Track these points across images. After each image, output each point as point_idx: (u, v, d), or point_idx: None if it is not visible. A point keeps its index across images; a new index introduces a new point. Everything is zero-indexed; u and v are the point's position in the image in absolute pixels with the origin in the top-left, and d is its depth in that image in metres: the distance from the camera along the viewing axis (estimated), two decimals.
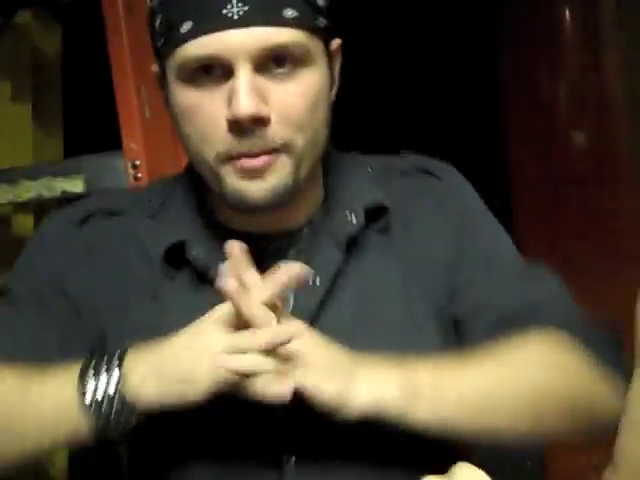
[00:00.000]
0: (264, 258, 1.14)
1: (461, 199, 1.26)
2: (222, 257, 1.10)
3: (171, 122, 1.12)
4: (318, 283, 1.15)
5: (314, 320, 1.13)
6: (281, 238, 1.18)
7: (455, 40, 2.49)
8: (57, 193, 1.81)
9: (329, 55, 1.11)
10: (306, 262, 1.11)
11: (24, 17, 2.12)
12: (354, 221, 1.17)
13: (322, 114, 1.10)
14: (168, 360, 1.02)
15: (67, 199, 1.90)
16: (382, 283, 1.19)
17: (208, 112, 1.04)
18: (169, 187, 1.24)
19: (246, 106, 1.00)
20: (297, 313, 1.12)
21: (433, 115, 2.51)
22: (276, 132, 1.04)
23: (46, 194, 1.82)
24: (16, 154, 2.13)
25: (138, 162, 1.71)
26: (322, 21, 1.08)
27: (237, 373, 0.98)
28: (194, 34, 1.02)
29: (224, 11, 1.01)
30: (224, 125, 1.03)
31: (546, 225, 2.23)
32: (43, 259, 1.19)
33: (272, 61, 1.03)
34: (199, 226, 1.18)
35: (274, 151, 1.06)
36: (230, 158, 1.06)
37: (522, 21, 2.23)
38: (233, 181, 1.07)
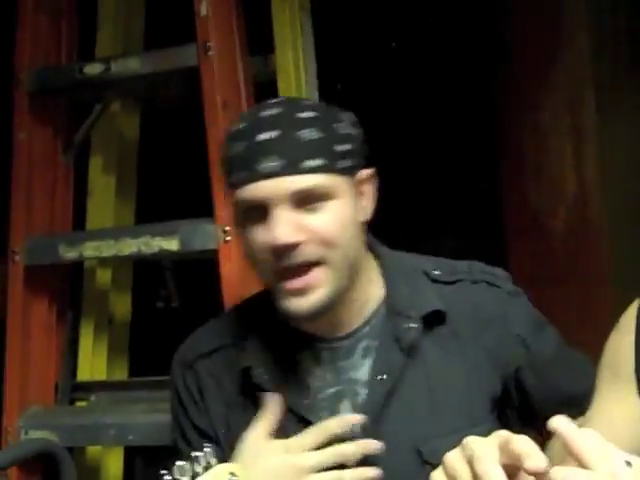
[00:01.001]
0: (337, 356, 1.39)
1: (519, 314, 1.43)
2: (285, 378, 1.37)
3: None
4: (385, 377, 1.35)
5: (382, 410, 1.35)
6: (347, 337, 1.40)
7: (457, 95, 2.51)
8: (155, 250, 2.11)
9: (357, 183, 1.36)
10: (373, 361, 1.37)
11: (114, 106, 2.51)
12: (415, 326, 1.37)
13: (351, 232, 1.33)
14: None
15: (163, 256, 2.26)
16: (442, 376, 1.37)
17: (260, 242, 1.31)
18: (247, 313, 1.47)
19: (278, 237, 1.27)
20: (372, 404, 1.35)
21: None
22: (310, 251, 1.29)
23: (145, 250, 2.12)
24: (103, 215, 2.51)
25: (227, 228, 2.01)
26: (344, 163, 1.33)
27: None
28: (242, 183, 1.31)
29: (261, 166, 1.29)
30: (272, 251, 1.29)
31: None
32: (177, 402, 1.48)
33: (306, 198, 1.30)
34: (269, 348, 1.40)
35: (312, 266, 1.30)
36: (279, 279, 1.30)
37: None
38: (282, 298, 1.32)
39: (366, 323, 1.41)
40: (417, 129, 2.38)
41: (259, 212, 1.31)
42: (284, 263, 1.30)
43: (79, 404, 2.42)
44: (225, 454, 1.36)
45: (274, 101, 1.38)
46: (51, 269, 2.37)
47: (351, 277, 1.36)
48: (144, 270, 2.63)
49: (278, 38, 2.15)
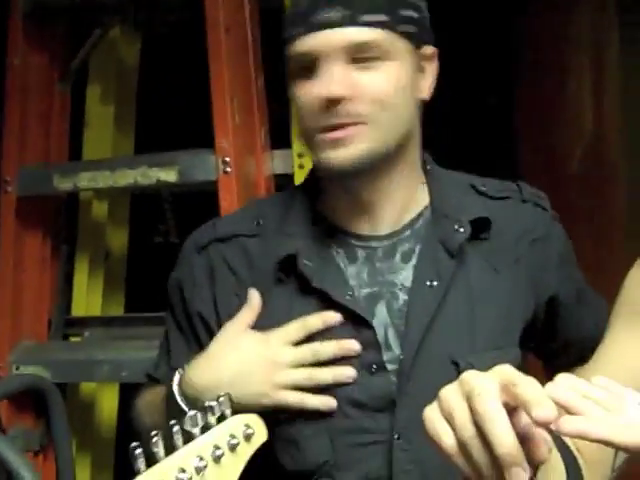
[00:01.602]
0: (375, 257, 1.35)
1: (560, 237, 1.44)
2: (329, 268, 1.33)
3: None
4: (435, 284, 1.32)
5: (433, 318, 1.30)
6: (387, 238, 1.36)
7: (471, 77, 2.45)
8: (152, 181, 2.05)
9: (419, 56, 1.32)
10: (416, 266, 1.32)
11: (114, 32, 2.42)
12: (462, 231, 1.33)
13: (404, 101, 1.30)
14: None
15: (161, 187, 2.20)
16: (484, 290, 1.34)
17: (309, 95, 1.27)
18: (287, 201, 1.43)
19: (328, 89, 1.25)
20: (419, 311, 1.31)
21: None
22: (358, 108, 1.26)
23: (142, 181, 2.06)
24: (100, 147, 2.43)
25: (227, 159, 1.97)
26: (407, 27, 1.29)
27: None
28: (297, 35, 1.27)
29: (318, 17, 1.26)
30: (319, 104, 1.26)
31: None
32: (178, 289, 1.44)
33: (361, 54, 1.26)
34: (310, 237, 1.36)
35: (358, 124, 1.26)
36: (322, 130, 1.27)
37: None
38: (322, 150, 1.29)
39: (407, 227, 1.37)
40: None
41: (311, 68, 1.28)
42: (330, 118, 1.27)
43: (73, 340, 2.38)
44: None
45: None
46: (45, 200, 2.31)
47: (397, 151, 1.32)
48: (142, 204, 2.56)
49: None
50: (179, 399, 1.32)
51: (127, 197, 2.45)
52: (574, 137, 2.29)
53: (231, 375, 1.31)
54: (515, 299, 1.37)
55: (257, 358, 1.32)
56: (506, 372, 0.79)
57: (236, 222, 1.45)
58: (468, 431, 0.77)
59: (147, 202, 2.60)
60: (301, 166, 2.00)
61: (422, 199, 1.39)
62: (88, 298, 2.41)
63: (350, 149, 1.27)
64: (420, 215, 1.38)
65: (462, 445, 0.78)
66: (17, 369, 2.20)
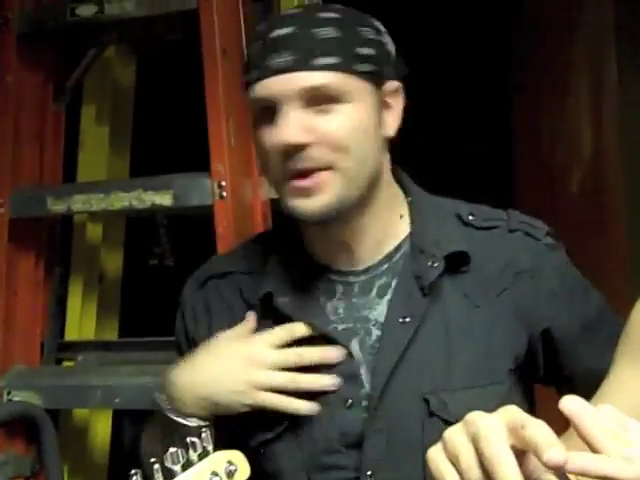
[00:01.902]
0: (352, 293, 1.35)
1: (557, 267, 1.36)
2: (308, 303, 1.34)
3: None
4: (408, 320, 1.30)
5: (403, 355, 1.29)
6: (364, 273, 1.35)
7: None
8: (147, 205, 2.02)
9: (381, 93, 1.29)
10: (390, 301, 1.31)
11: (109, 51, 2.39)
12: (436, 266, 1.30)
13: (368, 142, 1.27)
14: None
15: (155, 211, 2.17)
16: (462, 326, 1.31)
17: (270, 142, 1.25)
18: (267, 242, 1.45)
19: (287, 135, 1.22)
20: (389, 347, 1.30)
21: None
22: (321, 152, 1.24)
23: (137, 205, 2.03)
24: (95, 168, 2.40)
25: (223, 183, 1.94)
26: (364, 66, 1.26)
27: None
28: (254, 80, 1.27)
29: (273, 62, 1.24)
30: (281, 151, 1.24)
31: None
32: (180, 320, 1.48)
33: (317, 98, 1.24)
34: (290, 273, 1.37)
35: (323, 170, 1.24)
36: (288, 178, 1.26)
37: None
38: (290, 199, 1.28)
39: (384, 260, 1.35)
40: (432, 86, 2.27)
41: (271, 112, 1.26)
42: (291, 166, 1.25)
43: (66, 364, 2.34)
44: None
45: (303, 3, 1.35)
46: (38, 222, 2.28)
47: (367, 193, 1.30)
48: (137, 226, 2.53)
49: None
50: (159, 400, 1.36)
51: (122, 219, 2.43)
52: (572, 157, 2.27)
53: (210, 372, 1.33)
54: (498, 334, 1.32)
55: (237, 356, 1.33)
56: (513, 413, 0.77)
57: (231, 260, 1.48)
58: (474, 474, 0.75)
59: (142, 224, 2.57)
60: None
61: (402, 231, 1.37)
62: (82, 322, 2.38)
63: (319, 199, 1.26)
64: (398, 248, 1.36)
65: None
66: (9, 394, 2.17)
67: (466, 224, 1.37)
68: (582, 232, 2.21)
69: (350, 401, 1.31)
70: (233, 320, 1.40)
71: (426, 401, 1.29)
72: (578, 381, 1.38)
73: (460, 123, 2.45)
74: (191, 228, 2.23)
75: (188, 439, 0.86)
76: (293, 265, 1.38)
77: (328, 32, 1.25)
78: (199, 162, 2.00)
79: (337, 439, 1.31)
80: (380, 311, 1.33)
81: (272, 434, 1.33)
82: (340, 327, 1.35)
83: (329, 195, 1.25)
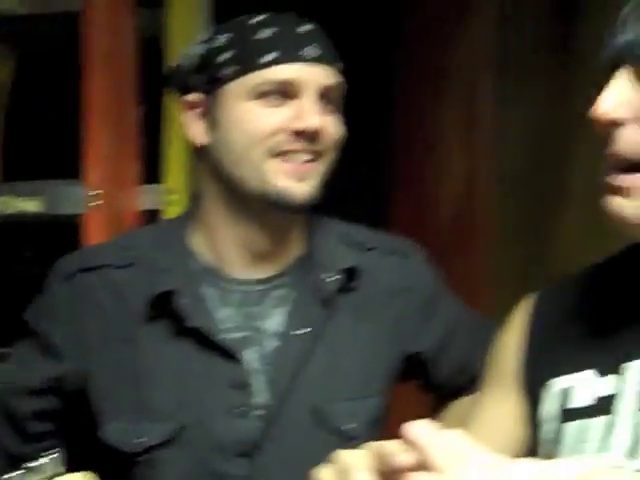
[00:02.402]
0: (248, 301, 1.36)
1: (425, 277, 1.46)
2: (203, 307, 1.32)
3: (199, 139, 1.35)
4: (306, 332, 1.34)
5: (301, 366, 1.33)
6: (262, 283, 1.38)
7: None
8: (16, 211, 1.97)
9: None
10: (289, 312, 1.34)
11: None
12: (333, 281, 1.36)
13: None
14: None
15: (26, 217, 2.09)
16: (350, 340, 1.37)
17: (275, 120, 1.31)
18: (162, 234, 1.42)
19: (313, 121, 1.31)
20: (288, 358, 1.33)
21: None
22: (322, 145, 1.33)
23: (5, 211, 1.97)
24: None
25: (96, 191, 1.90)
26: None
27: None
28: (278, 62, 1.31)
29: (306, 50, 1.32)
30: (290, 131, 1.30)
31: None
32: (39, 314, 1.40)
33: (328, 95, 1.35)
34: (185, 275, 1.35)
35: (316, 159, 1.33)
36: (277, 156, 1.31)
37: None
38: (280, 179, 1.31)
39: (283, 273, 1.39)
40: None
41: (282, 95, 1.32)
42: (300, 146, 1.32)
43: None
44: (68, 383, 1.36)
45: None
46: None
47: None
48: (4, 232, 2.43)
49: None
50: None
51: None
52: (446, 187, 2.31)
53: None
54: (378, 350, 1.39)
55: None
56: (376, 445, 0.76)
57: (105, 251, 1.42)
58: None
59: (9, 230, 2.47)
60: (172, 203, 1.95)
61: (299, 245, 1.41)
62: None
63: (310, 183, 1.33)
64: (296, 261, 1.40)
65: None
66: None
67: (351, 244, 1.43)
68: (452, 260, 2.23)
69: (240, 410, 1.32)
70: (103, 321, 1.35)
71: (316, 412, 1.33)
72: (445, 387, 1.48)
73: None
74: (61, 235, 2.16)
75: (40, 461, 0.88)
76: (187, 266, 1.37)
77: (326, 40, 1.37)
78: (74, 169, 1.95)
79: (229, 447, 1.31)
80: (277, 321, 1.36)
81: (159, 439, 1.31)
82: (237, 335, 1.35)
83: (315, 181, 1.34)
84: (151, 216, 1.97)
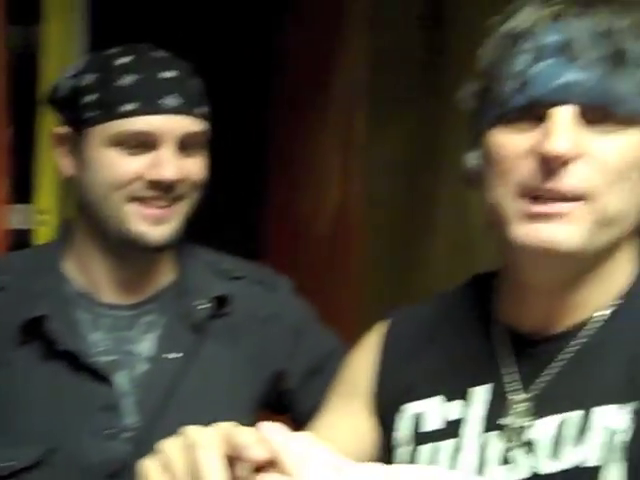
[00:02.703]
0: (119, 326, 1.38)
1: (292, 310, 1.50)
2: (76, 331, 1.34)
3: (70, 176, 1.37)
4: (177, 357, 1.38)
5: (172, 389, 1.35)
6: (132, 308, 1.41)
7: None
8: None
9: None
10: (160, 337, 1.38)
11: None
12: (205, 308, 1.40)
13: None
14: None
15: None
16: (219, 366, 1.41)
17: (131, 172, 1.33)
18: (35, 258, 1.43)
19: (169, 172, 1.33)
20: (158, 382, 1.36)
21: None
22: (182, 189, 1.36)
23: None
24: None
25: None
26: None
27: None
28: (138, 113, 1.33)
29: (165, 101, 1.33)
30: (150, 179, 1.33)
31: None
32: None
33: (189, 141, 1.36)
34: (58, 299, 1.37)
35: (177, 202, 1.36)
36: (134, 201, 1.33)
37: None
38: (136, 224, 1.34)
39: (153, 298, 1.42)
40: None
41: (137, 144, 1.34)
42: (156, 194, 1.34)
43: None
44: None
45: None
46: None
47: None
48: None
49: (45, 10, 2.01)
50: None
51: None
52: (319, 212, 2.36)
53: None
54: (246, 374, 1.43)
55: None
56: (228, 426, 0.79)
57: None
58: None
59: None
60: (42, 223, 1.94)
61: (170, 272, 1.45)
62: None
63: (168, 226, 1.36)
64: (166, 288, 1.44)
65: None
66: None
67: (219, 272, 1.47)
68: (323, 285, 2.28)
69: (110, 432, 1.33)
70: None
71: None
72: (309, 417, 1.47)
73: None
74: None
75: None
76: (60, 290, 1.39)
77: (196, 83, 1.39)
78: None
79: (99, 469, 1.31)
80: (147, 346, 1.39)
81: (27, 463, 1.31)
82: (106, 359, 1.36)
83: (176, 223, 1.37)
84: (21, 236, 1.94)
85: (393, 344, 1.12)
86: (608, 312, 1.00)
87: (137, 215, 1.34)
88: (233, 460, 0.77)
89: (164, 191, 1.34)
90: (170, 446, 0.79)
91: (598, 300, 1.00)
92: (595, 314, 1.00)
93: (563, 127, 0.92)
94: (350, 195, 2.38)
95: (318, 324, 1.53)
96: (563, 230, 0.92)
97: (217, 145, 2.04)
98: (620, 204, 0.93)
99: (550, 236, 0.93)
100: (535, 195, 0.94)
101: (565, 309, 1.00)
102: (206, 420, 1.29)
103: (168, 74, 1.35)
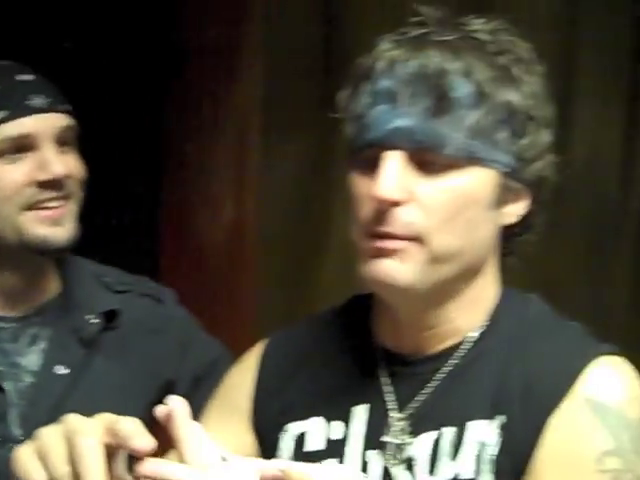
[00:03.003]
0: (3, 338, 1.39)
1: (178, 321, 1.53)
2: None
3: None
4: (65, 371, 1.38)
5: (60, 403, 1.36)
6: (16, 321, 1.41)
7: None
8: None
9: None
10: (46, 351, 1.38)
11: None
12: (95, 322, 1.42)
13: None
14: None
15: None
16: (107, 379, 1.42)
17: (20, 176, 1.35)
18: None
19: (53, 172, 1.34)
20: (45, 395, 1.36)
21: None
22: (68, 187, 1.38)
23: None
24: None
25: None
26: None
27: None
28: (9, 119, 1.35)
29: (31, 102, 1.35)
30: (36, 184, 1.36)
31: None
32: None
33: (63, 139, 1.39)
34: None
35: (67, 203, 1.38)
36: (33, 208, 1.35)
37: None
38: (34, 226, 1.35)
39: (38, 312, 1.42)
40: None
41: (17, 150, 1.35)
42: (49, 195, 1.35)
43: None
44: None
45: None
46: None
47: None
48: None
49: None
50: None
51: None
52: (214, 234, 2.38)
53: None
54: (135, 386, 1.44)
55: None
56: (110, 416, 0.80)
57: None
58: (60, 469, 0.74)
59: None
60: None
61: (54, 286, 1.45)
62: None
63: (66, 226, 1.37)
64: (52, 300, 1.44)
65: None
66: None
67: (106, 286, 1.48)
68: (218, 292, 2.32)
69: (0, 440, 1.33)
70: None
71: None
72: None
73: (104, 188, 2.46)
74: None
75: None
76: None
77: (53, 84, 1.41)
78: None
79: None
80: (32, 359, 1.39)
81: None
82: None
83: (71, 224, 1.39)
84: None
85: (270, 364, 1.13)
86: (477, 334, 1.05)
87: (34, 220, 1.35)
88: (111, 452, 0.76)
89: (56, 190, 1.35)
90: (49, 433, 0.77)
91: (468, 323, 1.05)
92: (467, 335, 1.05)
93: (390, 172, 0.96)
94: (244, 211, 2.40)
95: (203, 333, 1.56)
96: (396, 267, 0.98)
97: (112, 158, 2.03)
98: (452, 243, 0.99)
99: (386, 271, 0.98)
100: (376, 234, 0.99)
101: (435, 334, 1.05)
102: None
103: (27, 77, 1.37)
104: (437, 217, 0.97)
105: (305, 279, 2.45)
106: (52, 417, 1.28)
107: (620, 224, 2.55)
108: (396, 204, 0.97)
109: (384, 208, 0.97)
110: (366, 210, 0.99)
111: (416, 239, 0.98)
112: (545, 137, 1.02)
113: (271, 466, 0.77)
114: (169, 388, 1.48)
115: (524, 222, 1.04)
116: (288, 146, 2.45)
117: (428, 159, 0.97)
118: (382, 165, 0.97)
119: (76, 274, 1.47)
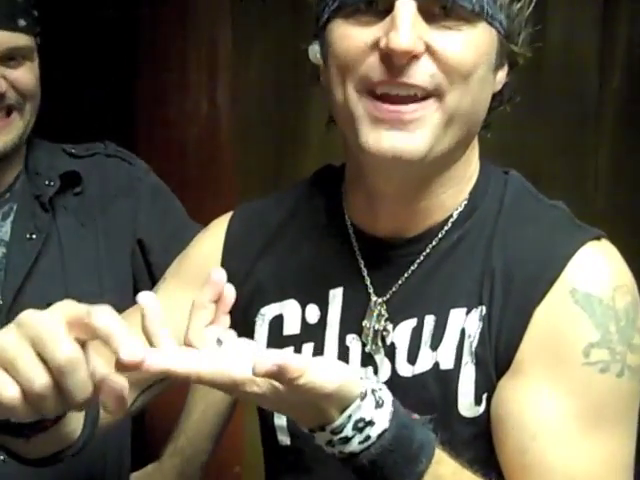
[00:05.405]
0: None
1: (146, 180, 1.56)
2: None
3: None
4: (34, 237, 1.43)
5: (31, 268, 1.41)
6: None
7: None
8: None
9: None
10: (14, 220, 1.44)
11: None
12: (52, 185, 1.47)
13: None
14: None
15: None
16: (73, 243, 1.46)
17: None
18: None
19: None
20: (17, 261, 1.41)
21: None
22: (11, 98, 1.43)
23: None
24: None
25: None
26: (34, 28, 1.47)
27: None
28: None
29: None
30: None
31: None
32: None
33: (11, 56, 1.42)
34: None
35: (13, 109, 1.44)
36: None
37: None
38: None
39: (6, 190, 1.48)
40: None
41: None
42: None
43: None
44: None
45: None
46: None
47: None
48: None
49: None
50: None
51: None
52: (190, 130, 2.36)
53: None
54: (106, 249, 1.48)
55: None
56: (72, 305, 0.74)
57: None
58: (39, 377, 0.69)
59: None
60: None
61: (20, 163, 1.50)
62: None
63: (10, 135, 1.44)
64: (18, 177, 1.49)
65: (33, 396, 0.70)
66: None
67: (70, 155, 1.53)
68: (195, 188, 2.28)
69: None
70: None
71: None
72: None
73: (83, 74, 2.43)
74: None
75: None
76: None
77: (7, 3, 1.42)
78: None
79: None
80: (4, 231, 1.45)
81: None
82: None
83: (16, 131, 1.45)
84: None
85: (235, 238, 1.09)
86: (457, 214, 1.00)
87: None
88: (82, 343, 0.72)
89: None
90: (12, 341, 0.71)
91: (451, 202, 0.99)
92: (448, 215, 0.99)
93: (407, 21, 0.88)
94: (219, 115, 2.37)
95: (174, 198, 1.58)
96: (408, 138, 0.90)
97: (86, 56, 2.00)
98: (466, 101, 0.92)
99: (395, 144, 0.90)
100: (380, 94, 0.91)
101: (417, 214, 0.99)
102: (72, 292, 1.33)
103: None
104: (456, 71, 0.91)
105: (283, 173, 2.45)
106: (27, 281, 1.41)
107: (600, 104, 2.57)
108: (412, 57, 0.89)
109: (399, 61, 0.89)
110: (368, 64, 0.91)
111: (433, 95, 0.91)
112: (529, 7, 0.98)
113: (266, 359, 0.74)
114: (142, 249, 1.51)
115: (501, 93, 1.00)
116: (260, 45, 2.45)
117: (440, 12, 0.90)
118: (397, 14, 0.88)
119: (40, 151, 1.52)
